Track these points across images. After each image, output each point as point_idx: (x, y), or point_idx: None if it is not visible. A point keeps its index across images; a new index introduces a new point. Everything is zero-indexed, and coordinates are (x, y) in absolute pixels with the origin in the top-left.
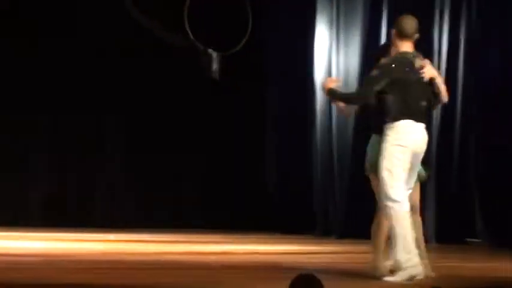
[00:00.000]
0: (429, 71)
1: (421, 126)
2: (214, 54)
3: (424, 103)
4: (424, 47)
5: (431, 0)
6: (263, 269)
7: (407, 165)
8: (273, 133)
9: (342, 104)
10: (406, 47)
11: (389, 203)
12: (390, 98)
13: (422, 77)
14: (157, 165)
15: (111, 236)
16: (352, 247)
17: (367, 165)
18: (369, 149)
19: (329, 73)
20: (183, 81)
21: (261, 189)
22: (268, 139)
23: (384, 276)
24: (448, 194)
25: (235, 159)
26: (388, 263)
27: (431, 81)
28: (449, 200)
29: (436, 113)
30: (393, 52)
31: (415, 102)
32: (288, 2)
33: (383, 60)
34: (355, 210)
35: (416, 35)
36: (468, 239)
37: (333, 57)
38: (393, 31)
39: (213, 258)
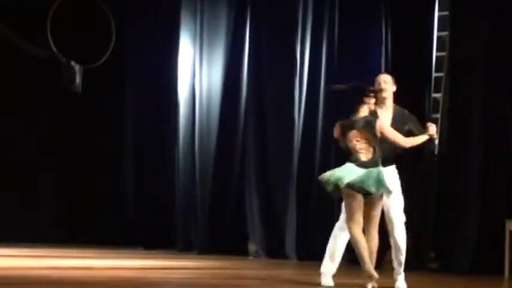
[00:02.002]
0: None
1: None
2: (77, 67)
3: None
4: (288, 62)
5: (295, 17)
6: (126, 285)
7: None
8: (134, 150)
9: None
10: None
11: None
12: None
13: None
14: (15, 176)
15: None
16: (213, 262)
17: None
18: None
19: (192, 89)
20: (44, 92)
21: (123, 204)
22: (129, 156)
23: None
24: (308, 211)
25: (96, 173)
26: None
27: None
28: (310, 216)
29: (298, 126)
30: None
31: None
32: (153, 17)
33: None
34: (216, 226)
35: None
36: None
37: (196, 74)
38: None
39: (76, 273)
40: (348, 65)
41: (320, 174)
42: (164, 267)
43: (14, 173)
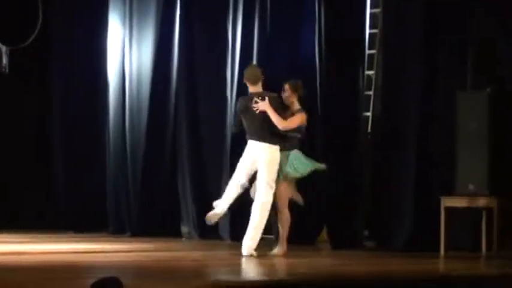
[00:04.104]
0: (261, 107)
1: (254, 142)
2: (4, 48)
3: (258, 126)
4: (219, 39)
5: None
6: (60, 269)
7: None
8: (63, 131)
9: None
10: (254, 88)
11: None
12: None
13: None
14: None
15: None
16: (146, 245)
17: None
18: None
19: (122, 69)
20: None
21: (52, 187)
22: (57, 136)
23: None
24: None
25: (25, 155)
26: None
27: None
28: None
29: (230, 105)
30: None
31: (253, 126)
32: None
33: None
34: (148, 208)
35: (261, 79)
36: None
37: (126, 53)
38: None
39: (8, 258)
40: (280, 41)
41: None
42: (97, 251)
43: None
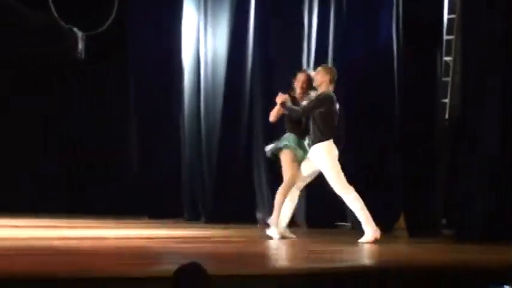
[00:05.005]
0: None
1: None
2: (80, 34)
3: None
4: (295, 25)
5: None
6: (137, 255)
7: None
8: (139, 118)
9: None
10: (331, 88)
11: None
12: (320, 121)
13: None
14: (19, 147)
15: None
16: (223, 231)
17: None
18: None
19: (197, 55)
20: (46, 59)
21: (128, 173)
22: (133, 122)
23: None
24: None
25: (100, 142)
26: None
27: None
28: (318, 183)
29: None
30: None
31: (334, 126)
32: None
33: (321, 93)
34: (223, 195)
35: None
36: (337, 223)
37: (201, 39)
38: (326, 76)
39: (87, 243)
40: (357, 26)
41: None
42: (174, 237)
43: (16, 142)
